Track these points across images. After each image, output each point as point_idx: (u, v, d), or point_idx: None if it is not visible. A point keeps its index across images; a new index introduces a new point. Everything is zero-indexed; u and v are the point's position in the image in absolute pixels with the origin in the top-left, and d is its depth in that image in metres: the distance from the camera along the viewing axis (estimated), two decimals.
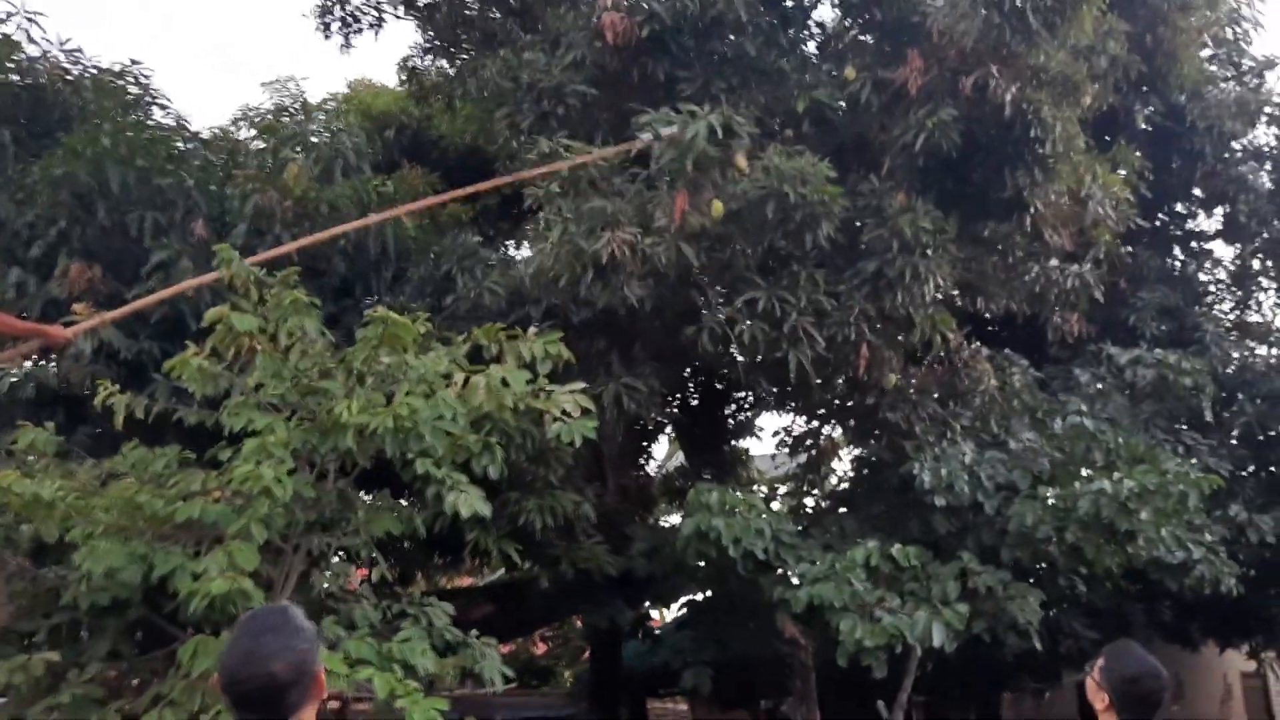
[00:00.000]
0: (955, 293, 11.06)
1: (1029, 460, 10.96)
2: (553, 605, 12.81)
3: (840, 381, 11.68)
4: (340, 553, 7.30)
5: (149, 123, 10.23)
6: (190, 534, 6.04)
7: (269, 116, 11.78)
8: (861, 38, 10.44)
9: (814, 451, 13.89)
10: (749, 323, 9.28)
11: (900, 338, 10.18)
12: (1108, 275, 11.34)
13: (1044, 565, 10.89)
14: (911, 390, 11.07)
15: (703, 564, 10.46)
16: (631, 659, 16.15)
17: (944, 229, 9.53)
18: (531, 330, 6.72)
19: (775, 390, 12.42)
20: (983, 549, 10.64)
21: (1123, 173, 11.08)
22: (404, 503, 7.90)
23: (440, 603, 7.58)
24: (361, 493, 7.62)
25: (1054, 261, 10.78)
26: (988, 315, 12.57)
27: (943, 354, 11.18)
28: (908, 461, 10.72)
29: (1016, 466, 10.84)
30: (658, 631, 16.28)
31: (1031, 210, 9.73)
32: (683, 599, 14.41)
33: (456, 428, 6.16)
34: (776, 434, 14.78)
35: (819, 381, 10.89)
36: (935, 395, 11.21)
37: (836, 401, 12.49)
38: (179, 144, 10.49)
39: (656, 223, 8.91)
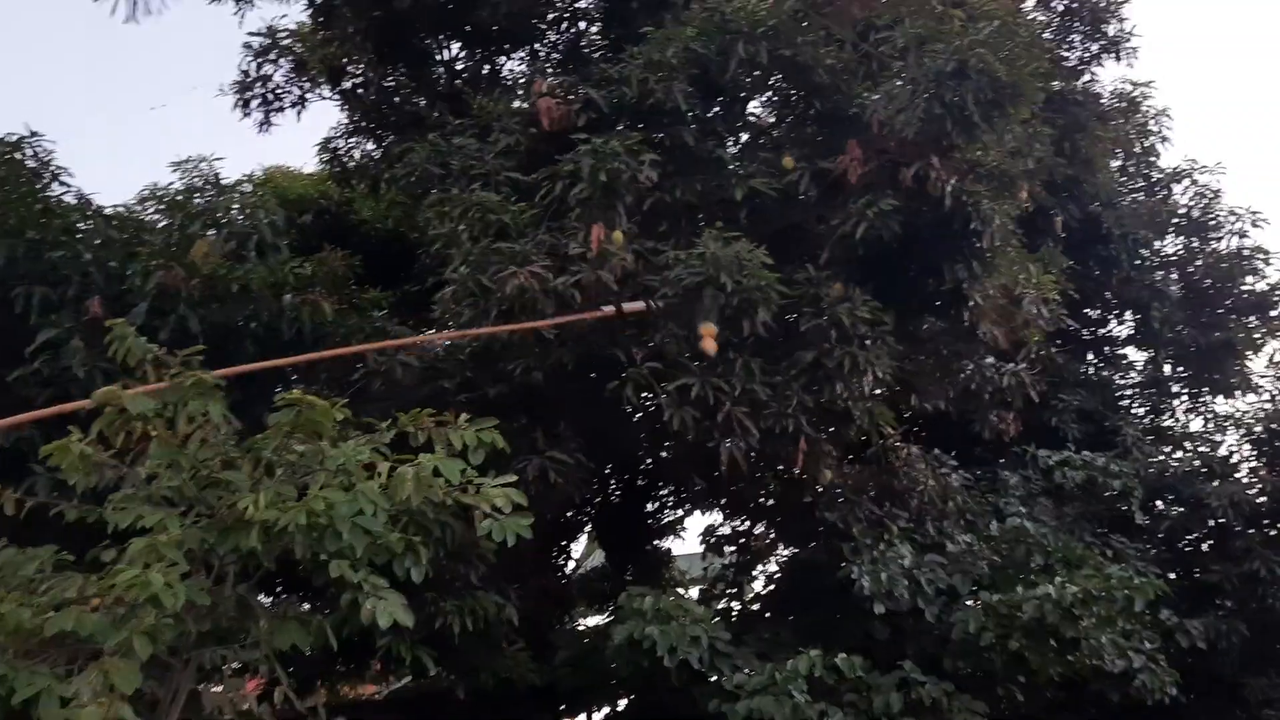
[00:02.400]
0: (890, 391, 10.88)
1: (968, 564, 10.68)
2: (466, 715, 11.91)
3: (772, 478, 11.34)
4: (231, 665, 6.50)
5: (45, 195, 9.53)
6: (62, 650, 5.23)
7: (179, 196, 11.16)
8: (800, 128, 10.37)
9: (743, 553, 13.41)
10: (680, 409, 8.89)
11: (838, 432, 9.89)
12: (1040, 376, 11.29)
13: (982, 674, 10.53)
14: (847, 489, 10.75)
15: (630, 673, 9.85)
16: None
17: (882, 320, 9.35)
18: (462, 417, 6.16)
19: (703, 485, 11.99)
20: (923, 657, 10.24)
21: (1052, 274, 11.11)
22: (309, 609, 7.14)
23: None
24: (261, 597, 6.85)
25: (989, 359, 10.69)
26: (909, 415, 12.43)
27: (879, 452, 10.93)
28: (844, 564, 10.34)
29: (956, 571, 10.55)
30: None
31: (970, 304, 9.63)
32: (604, 710, 13.61)
33: (377, 525, 5.53)
34: (703, 535, 14.30)
35: (753, 476, 10.52)
36: (871, 495, 10.91)
37: (769, 500, 12.10)
38: (78, 219, 9.81)
39: (571, 252, 8.57)
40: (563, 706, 13.14)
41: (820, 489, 10.64)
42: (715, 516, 14.44)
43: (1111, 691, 10.41)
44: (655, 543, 15.98)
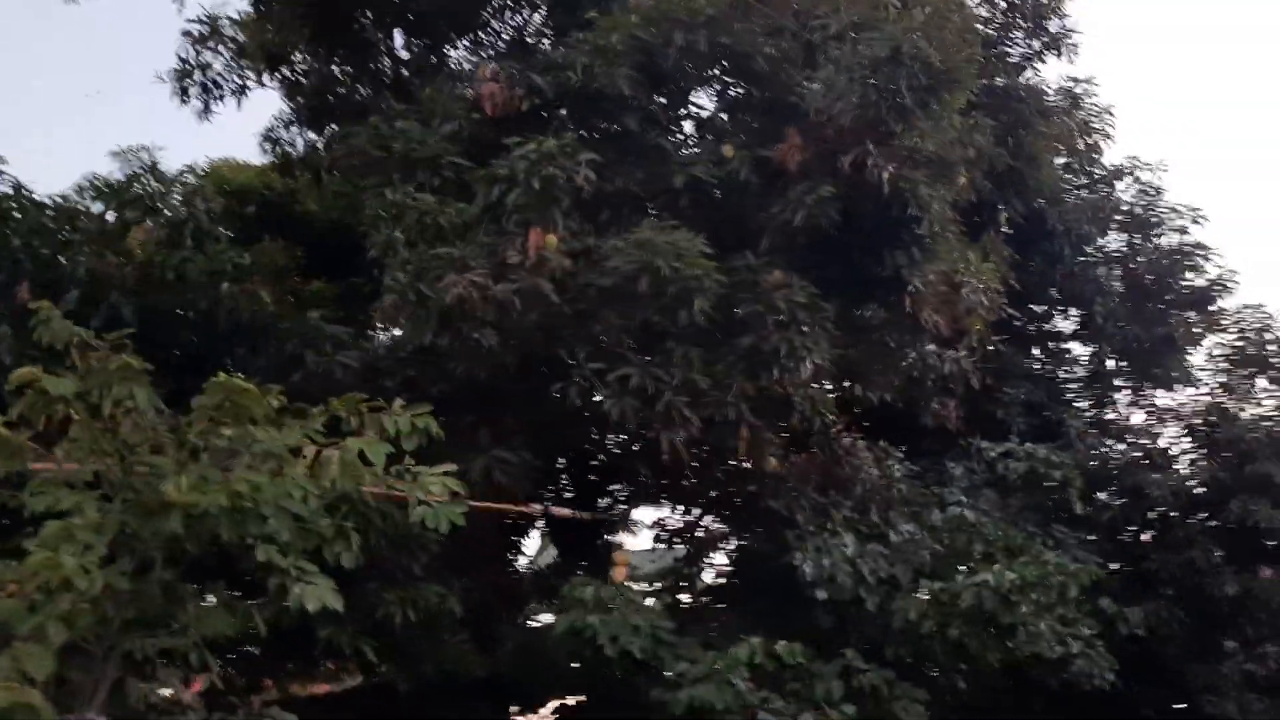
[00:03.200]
0: (835, 380, 10.95)
1: (910, 553, 10.76)
2: (413, 711, 11.80)
3: (719, 468, 11.37)
4: (165, 657, 6.38)
5: None
6: None
7: (117, 185, 10.96)
8: (741, 116, 10.41)
9: (692, 545, 13.43)
10: (620, 399, 8.87)
11: (779, 420, 9.94)
12: (982, 364, 11.40)
13: (925, 662, 10.62)
14: (791, 477, 10.80)
15: (576, 664, 9.83)
16: None
17: (820, 305, 9.40)
18: (397, 402, 6.10)
19: (651, 477, 11.98)
20: (866, 645, 10.31)
21: (993, 263, 11.22)
22: (241, 597, 7.03)
23: (284, 714, 6.73)
24: (195, 587, 6.73)
25: (931, 347, 10.79)
26: (859, 408, 12.52)
27: (823, 441, 10.99)
28: (789, 553, 10.38)
29: (898, 560, 10.62)
30: None
31: (910, 290, 9.70)
32: (554, 703, 13.56)
33: (307, 510, 5.46)
34: (653, 526, 14.30)
35: (695, 465, 10.53)
36: (815, 484, 10.97)
37: (715, 491, 12.13)
38: (13, 207, 9.62)
39: (510, 260, 8.51)
40: (515, 706, 13.08)
41: (764, 478, 10.69)
42: (666, 510, 14.49)
43: (1050, 678, 10.54)
44: (607, 538, 15.94)
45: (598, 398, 9.53)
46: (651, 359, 9.39)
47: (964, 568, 10.51)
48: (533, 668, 10.82)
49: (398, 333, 10.94)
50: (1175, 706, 13.73)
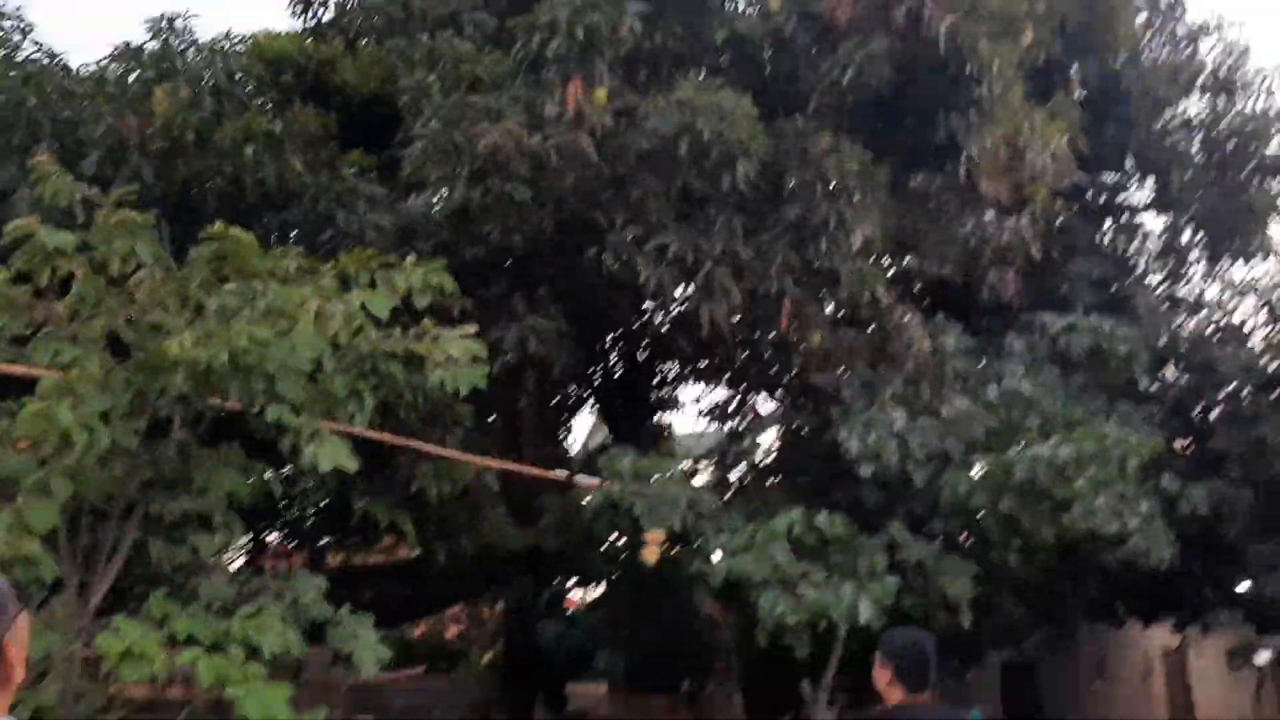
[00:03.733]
0: (886, 251, 10.45)
1: (963, 427, 10.37)
2: (456, 583, 11.96)
3: (763, 343, 11.03)
4: (189, 519, 6.33)
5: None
6: None
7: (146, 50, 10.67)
8: None
9: (739, 422, 13.20)
10: (658, 269, 8.52)
11: (826, 293, 9.52)
12: (1045, 235, 10.77)
13: (975, 538, 10.35)
14: (839, 352, 10.41)
15: (615, 537, 9.75)
16: (550, 640, 15.37)
17: (872, 173, 8.86)
18: (409, 258, 5.84)
19: (697, 353, 11.69)
20: (913, 520, 10.06)
21: (1061, 126, 10.46)
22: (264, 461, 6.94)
23: (312, 576, 6.69)
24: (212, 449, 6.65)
25: (989, 215, 10.19)
26: (919, 282, 12.01)
27: (872, 314, 10.54)
28: (834, 428, 10.07)
29: (949, 434, 10.25)
30: (572, 613, 15.53)
31: (966, 157, 9.10)
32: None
33: (306, 365, 5.25)
34: (697, 403, 14.13)
35: (739, 340, 10.18)
36: (864, 358, 10.57)
37: (761, 367, 11.81)
38: (35, 69, 9.46)
39: (548, 113, 8.11)
40: (559, 579, 13.17)
41: (810, 353, 10.33)
42: (713, 390, 14.28)
43: (1106, 554, 10.22)
44: (659, 416, 15.83)
45: (636, 267, 9.20)
46: (692, 227, 8.99)
47: (1019, 442, 10.13)
48: (573, 542, 10.78)
49: (432, 198, 10.67)
50: (1236, 587, 13.37)
